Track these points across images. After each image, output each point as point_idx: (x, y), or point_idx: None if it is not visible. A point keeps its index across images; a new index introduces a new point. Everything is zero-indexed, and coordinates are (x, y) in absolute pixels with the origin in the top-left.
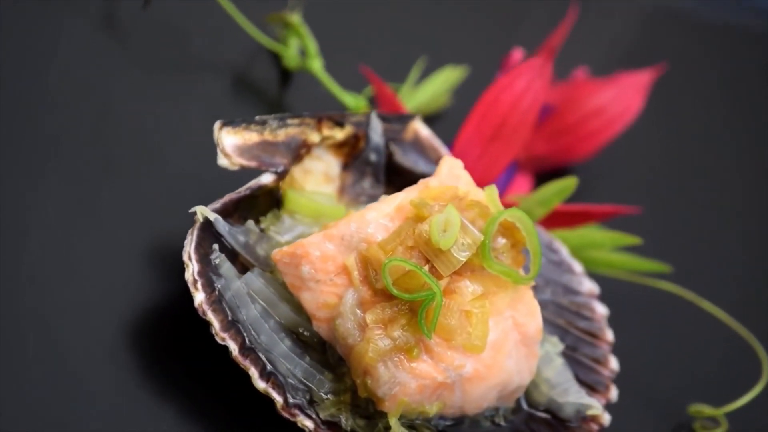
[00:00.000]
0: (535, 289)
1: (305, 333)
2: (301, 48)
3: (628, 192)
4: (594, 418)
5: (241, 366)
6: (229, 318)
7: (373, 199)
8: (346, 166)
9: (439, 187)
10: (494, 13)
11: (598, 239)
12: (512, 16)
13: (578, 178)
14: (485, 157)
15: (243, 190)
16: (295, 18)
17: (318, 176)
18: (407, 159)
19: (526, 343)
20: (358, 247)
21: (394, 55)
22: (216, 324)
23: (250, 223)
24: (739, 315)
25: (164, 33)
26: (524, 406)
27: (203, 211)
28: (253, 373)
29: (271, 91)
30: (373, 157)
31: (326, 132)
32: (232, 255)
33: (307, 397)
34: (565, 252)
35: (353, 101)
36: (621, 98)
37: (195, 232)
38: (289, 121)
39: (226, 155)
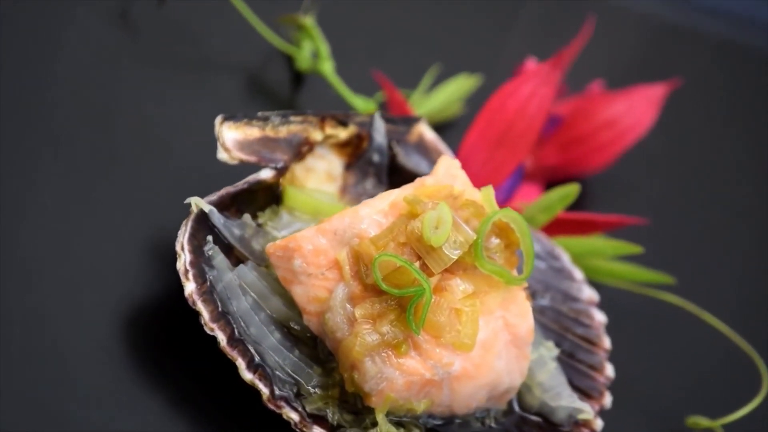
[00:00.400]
0: (534, 294)
1: (296, 327)
2: (314, 51)
3: (636, 203)
4: (586, 423)
5: (229, 356)
6: (219, 309)
7: None
8: (348, 166)
9: (434, 185)
10: (511, 23)
11: (599, 247)
12: (530, 26)
13: (587, 188)
14: (490, 163)
15: (241, 184)
16: (308, 20)
17: (320, 175)
18: (410, 160)
19: (516, 344)
20: (351, 242)
21: (407, 61)
22: (205, 314)
23: (247, 216)
24: (740, 328)
25: (178, 31)
26: (516, 409)
27: (198, 202)
28: (240, 364)
29: (281, 92)
30: (375, 157)
31: (329, 131)
32: (227, 248)
33: (295, 390)
34: (566, 259)
35: (363, 105)
36: (633, 110)
37: (189, 223)
38: (292, 119)
39: (226, 149)
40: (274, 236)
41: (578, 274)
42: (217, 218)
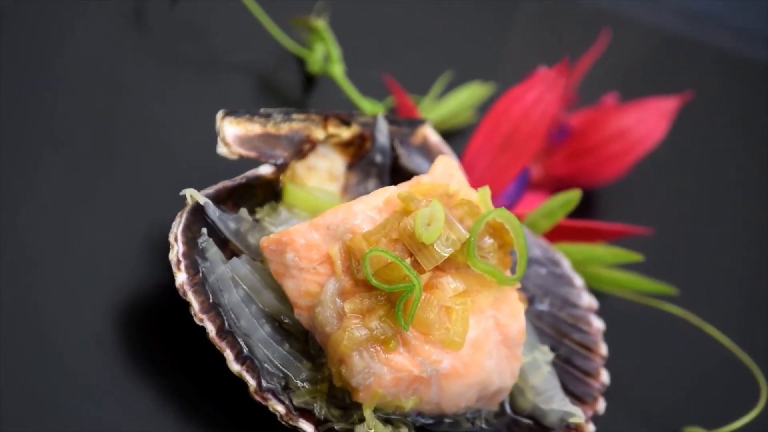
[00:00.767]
0: (533, 299)
1: (288, 321)
2: (325, 53)
3: (643, 214)
4: (577, 427)
5: (217, 348)
6: (210, 300)
7: None
8: (351, 166)
9: (429, 183)
10: (526, 33)
11: (600, 254)
12: (545, 37)
13: (594, 198)
14: (494, 167)
15: (238, 179)
16: (320, 23)
17: (322, 174)
18: (413, 162)
19: (507, 345)
20: (344, 237)
21: (420, 67)
22: (195, 305)
23: (243, 211)
24: (740, 340)
25: (190, 31)
26: (508, 411)
27: (193, 194)
28: (229, 355)
29: (290, 94)
30: (378, 158)
31: (332, 130)
32: (223, 242)
33: (283, 384)
34: (567, 265)
35: (371, 108)
36: (644, 122)
37: (184, 215)
38: (294, 116)
39: (226, 144)
40: (270, 232)
41: (578, 281)
42: (213, 211)
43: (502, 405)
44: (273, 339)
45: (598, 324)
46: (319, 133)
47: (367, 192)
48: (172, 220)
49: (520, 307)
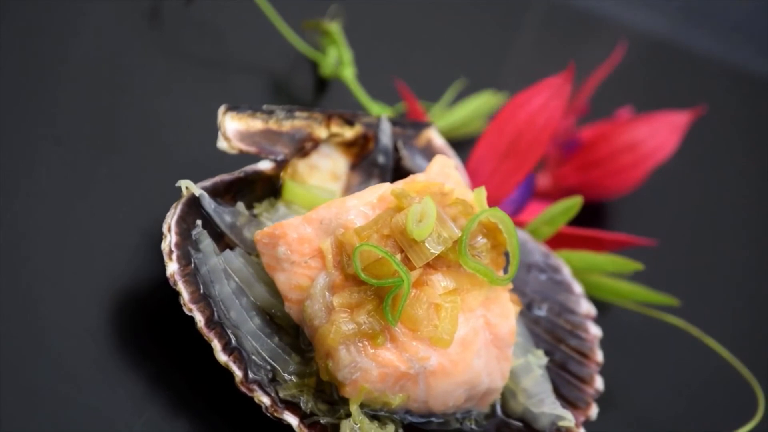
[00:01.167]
0: (531, 304)
1: (279, 315)
2: (338, 57)
3: (650, 226)
4: (568, 431)
5: (205, 338)
6: (201, 291)
7: None
8: (354, 166)
9: (425, 181)
10: (541, 44)
11: (601, 262)
12: (560, 48)
13: (603, 210)
14: (498, 173)
15: (237, 173)
16: (334, 26)
17: (324, 173)
18: (415, 164)
19: (497, 345)
20: (336, 232)
21: (433, 73)
22: (185, 295)
23: (240, 205)
24: (741, 354)
25: (203, 31)
26: (499, 413)
27: (189, 186)
28: (216, 345)
29: (301, 96)
30: (381, 159)
31: (335, 129)
32: (219, 236)
33: (270, 376)
34: (567, 272)
35: (379, 111)
36: (656, 136)
37: (179, 206)
38: (297, 114)
39: (226, 138)
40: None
41: (578, 288)
42: (208, 203)
43: (493, 407)
44: (262, 332)
45: (595, 331)
46: (321, 132)
47: None
48: (168, 210)
49: (511, 308)
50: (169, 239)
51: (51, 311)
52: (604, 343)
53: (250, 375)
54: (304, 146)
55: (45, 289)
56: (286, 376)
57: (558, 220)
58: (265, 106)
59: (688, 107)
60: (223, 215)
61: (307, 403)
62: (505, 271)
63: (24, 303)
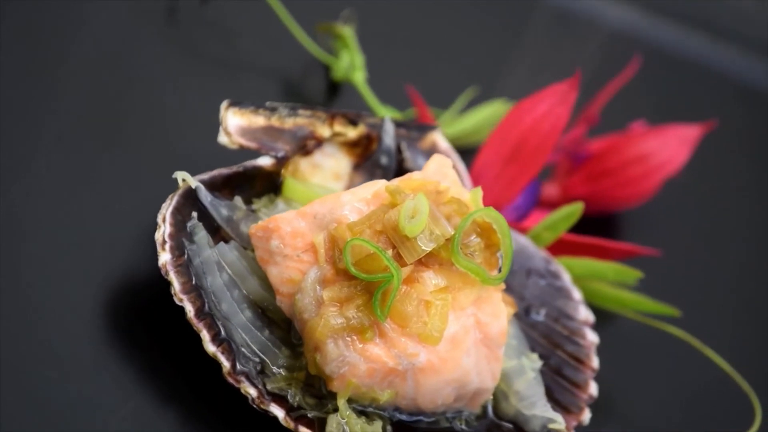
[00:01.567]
0: (529, 309)
1: (271, 309)
2: (350, 60)
3: (656, 237)
4: None
5: (195, 328)
6: (193, 282)
7: None
8: (356, 167)
9: (420, 179)
10: (555, 55)
11: (601, 269)
12: (574, 58)
13: (610, 221)
14: (502, 178)
15: (235, 167)
16: (347, 30)
17: (327, 172)
18: (418, 166)
19: (487, 344)
20: (329, 227)
21: (444, 80)
22: (177, 285)
23: (238, 199)
24: (740, 366)
25: (216, 31)
26: (491, 414)
27: (185, 177)
28: (205, 336)
29: (311, 98)
30: (383, 160)
31: (338, 128)
32: (215, 229)
33: (258, 368)
34: (567, 279)
35: (387, 115)
36: (666, 148)
37: (175, 198)
38: (300, 112)
39: (227, 133)
40: None
41: (577, 295)
42: (204, 195)
43: (484, 408)
44: (253, 324)
45: (592, 337)
46: (324, 131)
47: None
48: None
49: (503, 308)
50: (163, 229)
51: (43, 298)
52: (603, 351)
53: (239, 366)
54: (306, 144)
55: (37, 276)
56: (275, 369)
57: (559, 226)
58: (268, 103)
59: (697, 120)
60: (220, 208)
61: (294, 397)
62: (499, 271)
63: (17, 290)
